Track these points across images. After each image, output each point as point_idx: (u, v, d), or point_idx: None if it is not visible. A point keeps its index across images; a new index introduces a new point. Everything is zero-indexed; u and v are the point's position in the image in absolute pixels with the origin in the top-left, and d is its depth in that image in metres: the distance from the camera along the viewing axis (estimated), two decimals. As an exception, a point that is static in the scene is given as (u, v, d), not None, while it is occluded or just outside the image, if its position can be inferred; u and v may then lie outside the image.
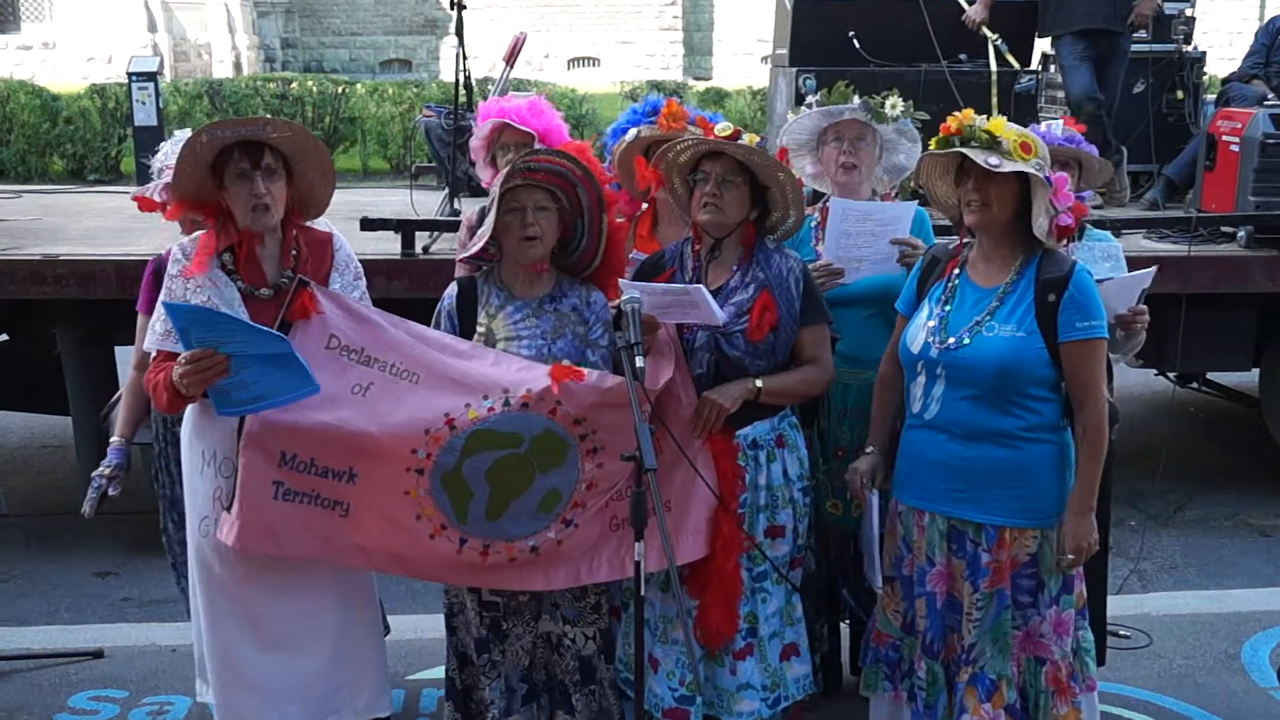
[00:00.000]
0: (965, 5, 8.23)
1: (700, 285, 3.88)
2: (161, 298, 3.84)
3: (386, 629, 4.82)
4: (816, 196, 4.75)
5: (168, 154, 4.47)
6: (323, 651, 4.09)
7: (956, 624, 3.99)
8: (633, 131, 4.61)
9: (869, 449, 4.18)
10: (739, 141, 3.97)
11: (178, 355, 3.66)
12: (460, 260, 4.25)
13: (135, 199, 4.70)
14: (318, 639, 4.08)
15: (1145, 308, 4.40)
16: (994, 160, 3.68)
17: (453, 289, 4.10)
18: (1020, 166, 3.69)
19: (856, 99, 4.54)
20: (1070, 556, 3.81)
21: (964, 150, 3.75)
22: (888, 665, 4.15)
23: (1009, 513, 3.86)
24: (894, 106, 4.52)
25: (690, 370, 4.05)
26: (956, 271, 3.97)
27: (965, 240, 4.00)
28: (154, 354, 3.89)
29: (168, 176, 4.30)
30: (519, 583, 3.99)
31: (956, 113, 3.85)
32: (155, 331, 3.88)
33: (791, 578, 4.16)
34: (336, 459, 3.85)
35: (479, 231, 4.06)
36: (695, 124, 4.46)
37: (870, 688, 4.21)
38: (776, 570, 4.10)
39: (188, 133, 3.93)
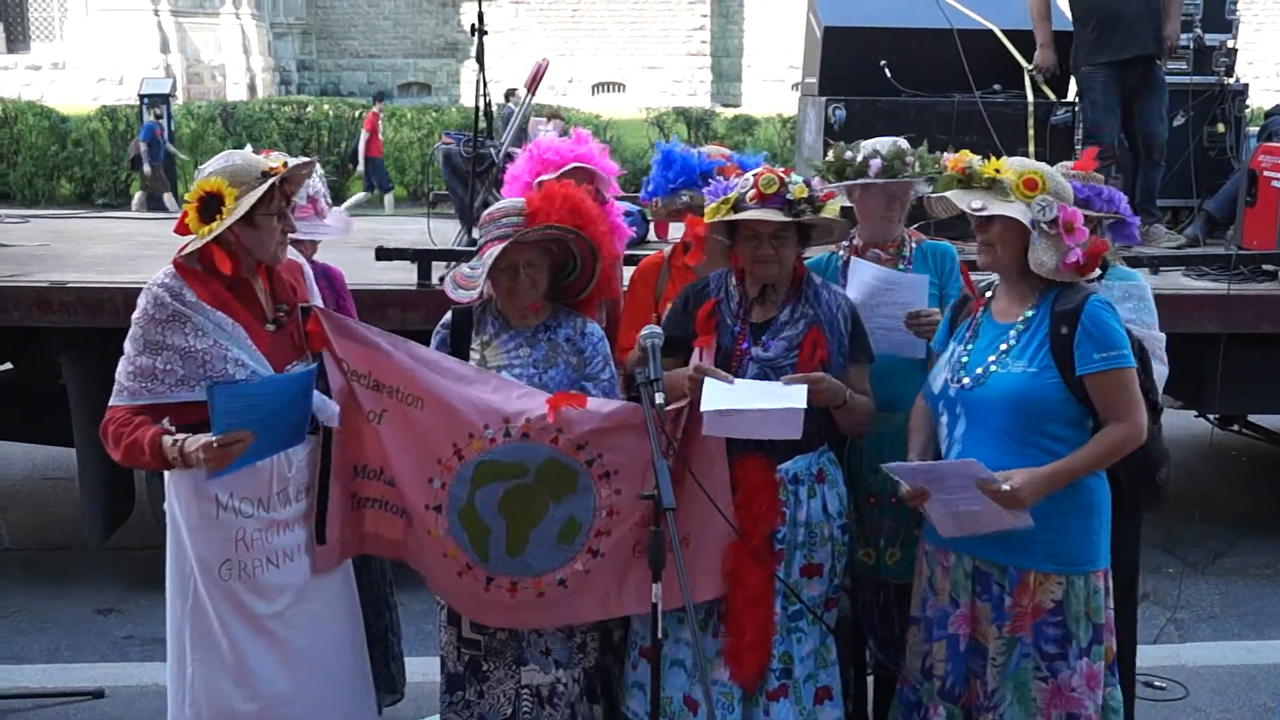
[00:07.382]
0: (1022, 62, 8.03)
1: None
2: (137, 343, 3.70)
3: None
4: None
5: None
6: (343, 672, 4.07)
7: (979, 669, 3.92)
8: (685, 196, 4.64)
9: (911, 458, 4.02)
10: (786, 190, 3.91)
11: (154, 410, 3.63)
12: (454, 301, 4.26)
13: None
14: (338, 660, 4.05)
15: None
16: (977, 204, 3.74)
17: (448, 318, 4.19)
18: (1005, 209, 3.69)
19: (874, 163, 4.34)
20: (1006, 487, 3.63)
21: (947, 195, 3.81)
22: (905, 708, 4.09)
23: (1032, 556, 3.78)
24: (912, 169, 4.37)
25: None
26: (982, 310, 3.97)
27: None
28: (119, 407, 3.74)
29: None
30: (551, 620, 4.00)
31: (957, 154, 3.88)
32: (127, 385, 3.73)
33: (826, 619, 4.13)
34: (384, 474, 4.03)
35: (469, 278, 4.04)
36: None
37: None
38: (810, 611, 4.05)
39: (226, 152, 3.89)
